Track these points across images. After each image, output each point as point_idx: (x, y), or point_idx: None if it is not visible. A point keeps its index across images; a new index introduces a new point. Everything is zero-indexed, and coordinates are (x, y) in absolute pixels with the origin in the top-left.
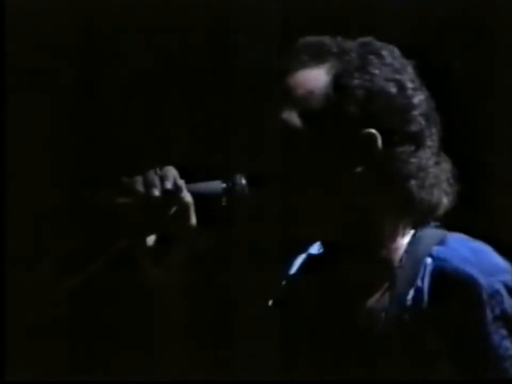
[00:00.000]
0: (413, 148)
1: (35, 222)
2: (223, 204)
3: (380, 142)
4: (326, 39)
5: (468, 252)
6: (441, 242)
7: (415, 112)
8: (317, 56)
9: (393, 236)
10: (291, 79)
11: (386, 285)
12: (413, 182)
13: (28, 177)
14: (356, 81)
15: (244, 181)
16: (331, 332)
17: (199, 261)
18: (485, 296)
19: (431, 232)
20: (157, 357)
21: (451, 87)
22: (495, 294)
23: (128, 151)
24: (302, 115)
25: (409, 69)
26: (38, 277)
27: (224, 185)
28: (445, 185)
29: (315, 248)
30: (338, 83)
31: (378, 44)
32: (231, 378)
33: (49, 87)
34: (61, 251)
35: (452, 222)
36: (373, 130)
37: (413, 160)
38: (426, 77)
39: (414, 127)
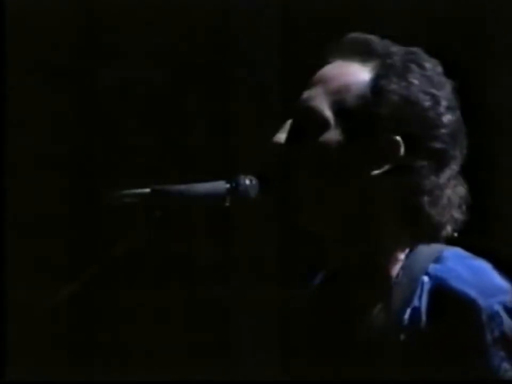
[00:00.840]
0: (433, 164)
1: (35, 222)
2: (227, 204)
3: (403, 150)
4: (374, 38)
5: (465, 270)
6: (438, 259)
7: (443, 131)
8: (362, 54)
9: (393, 248)
10: (332, 69)
11: (383, 299)
12: (426, 198)
13: (27, 177)
14: (394, 86)
15: (247, 182)
16: (330, 346)
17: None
18: (484, 318)
19: (428, 248)
20: (157, 358)
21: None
22: (494, 315)
23: (128, 151)
24: (333, 106)
25: (447, 87)
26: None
27: (227, 185)
28: (455, 211)
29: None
30: (376, 84)
31: (423, 55)
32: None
33: (49, 87)
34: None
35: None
36: (399, 138)
37: (432, 177)
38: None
39: (438, 145)
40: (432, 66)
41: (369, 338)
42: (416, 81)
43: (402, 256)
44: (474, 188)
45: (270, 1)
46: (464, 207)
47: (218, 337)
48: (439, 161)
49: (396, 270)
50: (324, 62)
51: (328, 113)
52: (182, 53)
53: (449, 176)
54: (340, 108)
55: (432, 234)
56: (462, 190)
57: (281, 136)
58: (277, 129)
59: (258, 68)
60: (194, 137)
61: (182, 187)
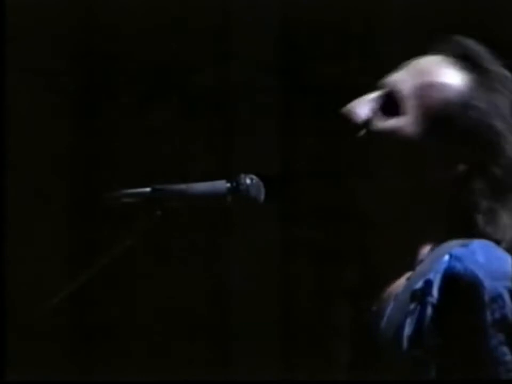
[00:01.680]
0: (490, 189)
1: (35, 222)
2: (227, 203)
3: (467, 166)
4: (482, 49)
5: (483, 255)
6: (465, 244)
7: (506, 161)
8: (466, 61)
9: (434, 242)
10: (431, 63)
11: (407, 276)
12: (481, 217)
13: (27, 178)
14: (482, 104)
15: (248, 181)
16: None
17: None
18: (486, 298)
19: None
20: (157, 357)
21: None
22: (497, 297)
23: (128, 151)
24: (416, 99)
25: None
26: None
27: (228, 185)
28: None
29: None
30: (467, 96)
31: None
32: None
33: (50, 87)
34: (63, 251)
35: None
36: (468, 151)
37: (489, 198)
38: None
39: (499, 172)
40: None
41: (382, 305)
42: (501, 105)
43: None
44: None
45: (270, 1)
46: None
47: (218, 335)
48: (497, 188)
49: (427, 252)
50: (425, 52)
51: (410, 103)
52: (182, 53)
53: (504, 202)
54: (423, 103)
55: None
56: None
57: (361, 110)
58: (276, 130)
59: (258, 67)
60: (194, 137)
61: (183, 186)
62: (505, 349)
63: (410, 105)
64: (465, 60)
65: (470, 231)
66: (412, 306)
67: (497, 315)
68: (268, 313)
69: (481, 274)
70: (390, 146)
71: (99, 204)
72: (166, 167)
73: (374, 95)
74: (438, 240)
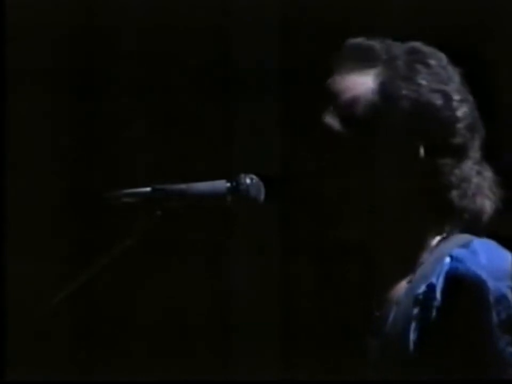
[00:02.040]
0: (456, 159)
1: (35, 222)
2: (227, 203)
3: (422, 153)
4: (375, 43)
5: (485, 255)
6: (465, 245)
7: (460, 125)
8: (365, 61)
9: (430, 240)
10: (337, 83)
11: (408, 279)
12: (454, 193)
13: (28, 178)
14: (403, 92)
15: (248, 181)
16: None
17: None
18: (491, 299)
19: (460, 236)
20: (157, 357)
21: None
22: (501, 298)
23: (128, 150)
24: (345, 121)
25: (456, 78)
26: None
27: (228, 184)
28: (487, 193)
29: None
30: (385, 92)
31: (426, 50)
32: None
33: (50, 87)
34: (63, 251)
35: (491, 228)
36: (417, 142)
37: (456, 171)
38: None
39: (457, 140)
40: (437, 61)
41: (385, 311)
42: (424, 82)
43: (434, 242)
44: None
45: (270, 2)
46: (494, 188)
47: (218, 333)
48: (461, 155)
49: (426, 256)
50: (329, 71)
51: (340, 129)
52: (182, 53)
53: (472, 165)
54: (351, 121)
55: (472, 222)
56: (488, 173)
57: (309, 152)
58: (277, 130)
59: (258, 67)
60: (195, 137)
61: (183, 186)
62: None
63: (339, 132)
64: (367, 60)
65: (449, 209)
66: (416, 311)
67: (502, 316)
68: (268, 313)
69: (484, 275)
70: (342, 177)
71: (99, 203)
72: (166, 167)
73: (312, 135)
74: (430, 232)
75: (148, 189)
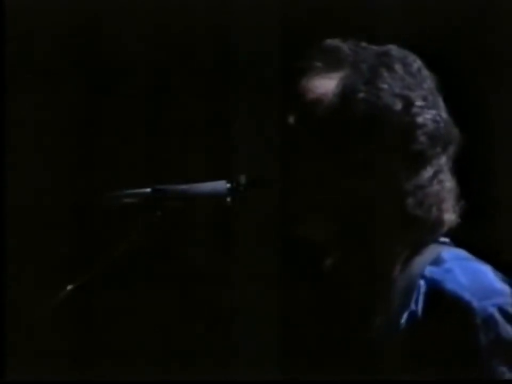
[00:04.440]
0: (413, 166)
1: (35, 222)
2: (227, 204)
3: (380, 158)
4: (344, 45)
5: (462, 272)
6: (435, 261)
7: (419, 132)
8: (332, 64)
9: (391, 252)
10: (302, 85)
11: (383, 300)
12: (409, 200)
13: (28, 178)
14: (362, 95)
15: (248, 181)
16: (332, 345)
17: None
18: (478, 320)
19: (428, 250)
20: (157, 358)
21: (452, 88)
22: (488, 318)
23: (128, 151)
24: (305, 121)
25: (426, 84)
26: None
27: (228, 185)
28: (447, 204)
29: None
30: (344, 95)
31: (397, 54)
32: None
33: (50, 87)
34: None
35: (457, 237)
36: (373, 146)
37: (413, 178)
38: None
39: (415, 147)
40: (405, 66)
41: (371, 338)
42: (385, 86)
43: (402, 258)
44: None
45: (270, 1)
46: (456, 198)
47: (218, 338)
48: (418, 162)
49: (396, 271)
50: (296, 76)
51: (301, 129)
52: (182, 53)
53: (431, 174)
54: (311, 122)
55: (428, 232)
56: (450, 183)
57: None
58: (277, 130)
59: (258, 67)
60: (195, 137)
61: (183, 187)
62: (504, 368)
63: (301, 132)
64: (333, 62)
65: (404, 217)
66: (401, 340)
67: (491, 336)
68: (267, 314)
69: (467, 296)
70: (304, 177)
71: (99, 204)
72: (166, 167)
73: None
74: (397, 240)
75: (148, 189)
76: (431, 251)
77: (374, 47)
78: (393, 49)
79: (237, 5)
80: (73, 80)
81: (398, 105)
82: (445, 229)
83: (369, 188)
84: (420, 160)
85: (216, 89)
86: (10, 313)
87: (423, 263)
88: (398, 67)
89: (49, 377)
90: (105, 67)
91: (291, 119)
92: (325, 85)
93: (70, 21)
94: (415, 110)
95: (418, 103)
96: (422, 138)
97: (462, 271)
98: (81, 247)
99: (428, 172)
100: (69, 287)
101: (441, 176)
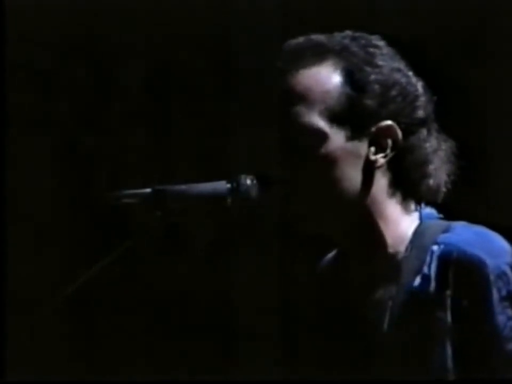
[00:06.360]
0: (425, 133)
1: (35, 222)
2: (228, 204)
3: (399, 132)
4: (320, 37)
5: (473, 236)
6: (446, 230)
7: (422, 98)
8: (317, 55)
9: (398, 223)
10: (301, 80)
11: (393, 273)
12: (431, 166)
13: (28, 178)
14: (372, 76)
15: (248, 182)
16: (340, 325)
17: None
18: (492, 276)
19: (436, 223)
20: (157, 357)
21: (451, 87)
22: (501, 275)
23: (128, 151)
24: (323, 116)
25: (396, 55)
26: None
27: (228, 185)
28: (447, 166)
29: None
30: (353, 80)
31: (366, 35)
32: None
33: (50, 87)
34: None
35: (452, 207)
36: (391, 122)
37: (427, 145)
38: (426, 76)
39: (423, 113)
40: (379, 42)
41: (379, 312)
42: (383, 63)
43: (409, 232)
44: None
45: (270, 2)
46: (452, 158)
47: (218, 338)
48: (427, 128)
49: (404, 246)
50: (283, 74)
51: (322, 124)
52: (182, 53)
53: (435, 138)
54: (329, 114)
55: (433, 195)
56: (446, 144)
57: (282, 163)
58: (277, 130)
59: (258, 67)
60: (195, 137)
61: (183, 187)
62: None
63: (322, 128)
64: (321, 54)
65: (413, 186)
66: (414, 304)
67: (503, 292)
68: (268, 312)
69: (481, 254)
70: (328, 171)
71: (99, 204)
72: (166, 167)
73: (284, 144)
74: (399, 212)
75: (148, 189)
76: (440, 223)
77: (340, 34)
78: (358, 32)
79: (237, 5)
80: (73, 80)
81: (402, 79)
82: (434, 189)
83: (392, 165)
84: (427, 125)
85: (216, 90)
86: (11, 313)
87: (435, 232)
88: (379, 43)
89: (49, 377)
90: (105, 67)
91: (306, 118)
92: (326, 75)
93: (70, 21)
94: (413, 80)
95: (410, 72)
96: (425, 104)
97: (471, 234)
98: (81, 247)
99: (433, 136)
100: (70, 287)
101: (437, 138)
